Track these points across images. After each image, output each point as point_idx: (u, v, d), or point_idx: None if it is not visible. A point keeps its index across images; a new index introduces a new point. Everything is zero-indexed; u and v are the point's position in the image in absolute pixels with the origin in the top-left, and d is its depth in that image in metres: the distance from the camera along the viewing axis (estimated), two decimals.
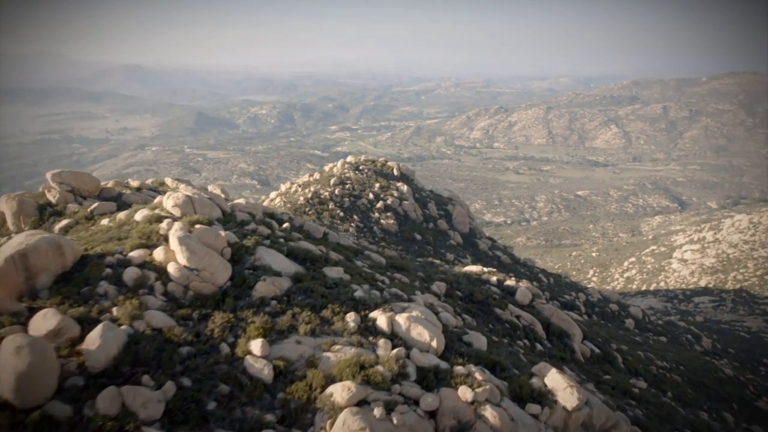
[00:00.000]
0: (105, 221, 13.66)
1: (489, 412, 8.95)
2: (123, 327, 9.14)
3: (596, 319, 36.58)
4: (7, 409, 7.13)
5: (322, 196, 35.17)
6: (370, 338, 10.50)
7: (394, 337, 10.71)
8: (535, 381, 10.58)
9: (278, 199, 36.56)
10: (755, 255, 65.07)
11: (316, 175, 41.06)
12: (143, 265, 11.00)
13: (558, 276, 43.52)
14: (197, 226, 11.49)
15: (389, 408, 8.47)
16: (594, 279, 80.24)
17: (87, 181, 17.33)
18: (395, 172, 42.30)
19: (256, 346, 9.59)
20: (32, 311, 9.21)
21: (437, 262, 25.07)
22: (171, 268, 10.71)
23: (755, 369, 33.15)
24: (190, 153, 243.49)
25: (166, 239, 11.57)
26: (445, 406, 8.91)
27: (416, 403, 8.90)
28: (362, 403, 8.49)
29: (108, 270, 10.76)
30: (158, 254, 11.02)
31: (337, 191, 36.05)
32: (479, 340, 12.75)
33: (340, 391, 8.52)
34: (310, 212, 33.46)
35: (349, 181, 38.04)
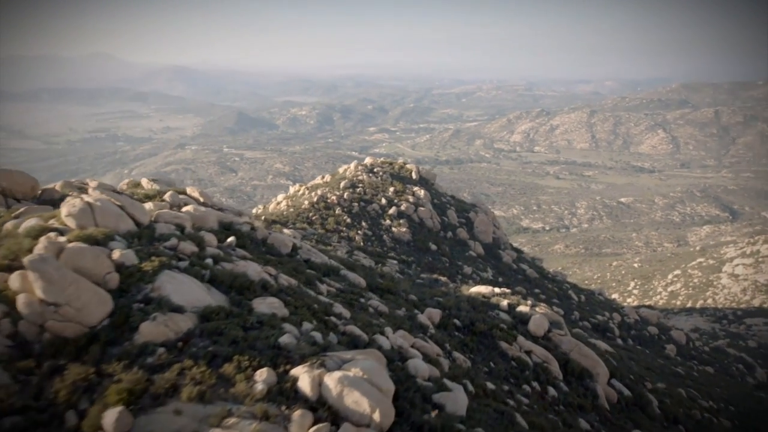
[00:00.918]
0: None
1: None
2: None
3: (632, 344, 32.61)
4: None
5: (328, 200, 32.30)
6: (284, 407, 7.47)
7: (321, 405, 7.65)
8: None
9: (284, 203, 33.92)
10: None
11: (327, 177, 38.28)
12: None
13: (591, 293, 39.55)
14: (71, 244, 8.71)
15: None
16: (635, 292, 75.09)
17: (21, 181, 14.87)
18: (413, 176, 39.16)
19: (111, 418, 6.69)
20: None
21: (443, 279, 21.90)
22: (20, 302, 7.95)
23: None
24: (228, 152, 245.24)
25: None
26: None
27: None
28: None
29: None
30: (14, 281, 8.28)
31: (346, 195, 33.15)
32: (455, 402, 9.60)
33: None
34: (314, 217, 30.68)
35: (360, 185, 35.08)
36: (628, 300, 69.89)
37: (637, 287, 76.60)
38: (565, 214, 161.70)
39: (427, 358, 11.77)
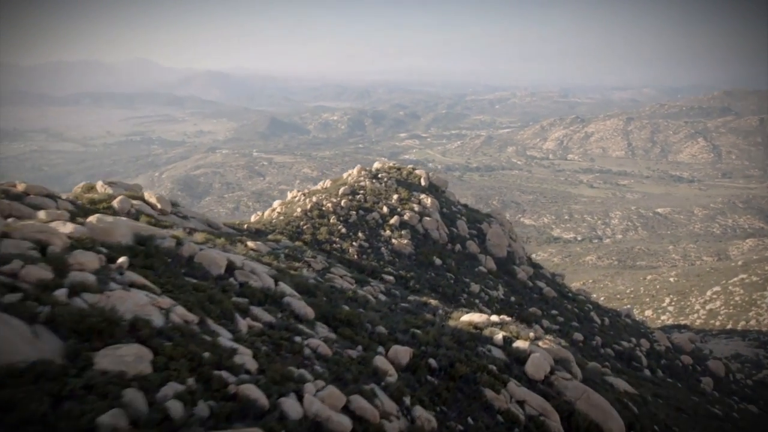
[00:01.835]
0: None
1: None
2: None
3: (662, 376, 28.81)
4: None
5: (323, 208, 29.48)
6: None
7: None
8: None
9: (278, 209, 31.25)
10: None
11: (327, 183, 35.50)
12: None
13: (616, 314, 35.73)
14: None
15: None
16: (670, 308, 70.08)
17: None
18: (422, 182, 36.05)
19: None
20: None
21: (433, 303, 18.82)
22: None
23: None
24: (257, 157, 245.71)
25: None
26: None
27: None
28: None
29: None
30: None
31: (343, 202, 30.26)
32: None
33: None
34: (305, 227, 27.90)
35: (362, 191, 32.15)
36: (663, 317, 65.18)
37: (673, 303, 71.55)
38: (598, 224, 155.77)
39: (363, 426, 8.79)
